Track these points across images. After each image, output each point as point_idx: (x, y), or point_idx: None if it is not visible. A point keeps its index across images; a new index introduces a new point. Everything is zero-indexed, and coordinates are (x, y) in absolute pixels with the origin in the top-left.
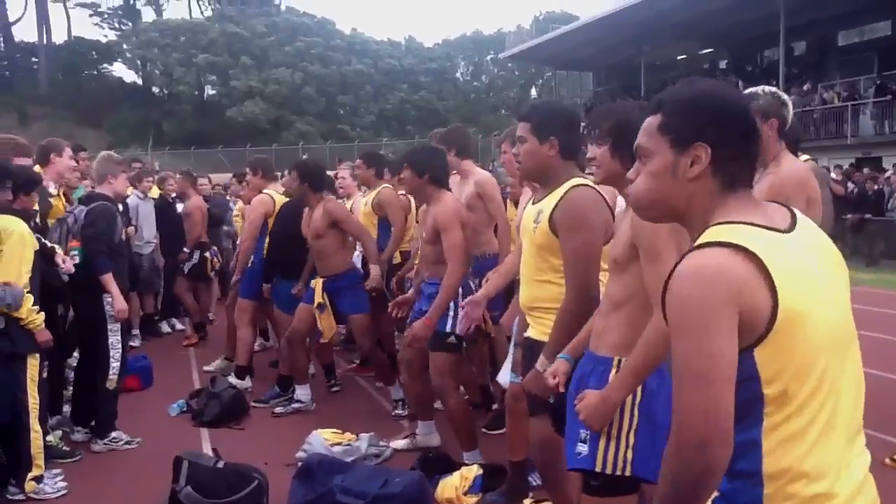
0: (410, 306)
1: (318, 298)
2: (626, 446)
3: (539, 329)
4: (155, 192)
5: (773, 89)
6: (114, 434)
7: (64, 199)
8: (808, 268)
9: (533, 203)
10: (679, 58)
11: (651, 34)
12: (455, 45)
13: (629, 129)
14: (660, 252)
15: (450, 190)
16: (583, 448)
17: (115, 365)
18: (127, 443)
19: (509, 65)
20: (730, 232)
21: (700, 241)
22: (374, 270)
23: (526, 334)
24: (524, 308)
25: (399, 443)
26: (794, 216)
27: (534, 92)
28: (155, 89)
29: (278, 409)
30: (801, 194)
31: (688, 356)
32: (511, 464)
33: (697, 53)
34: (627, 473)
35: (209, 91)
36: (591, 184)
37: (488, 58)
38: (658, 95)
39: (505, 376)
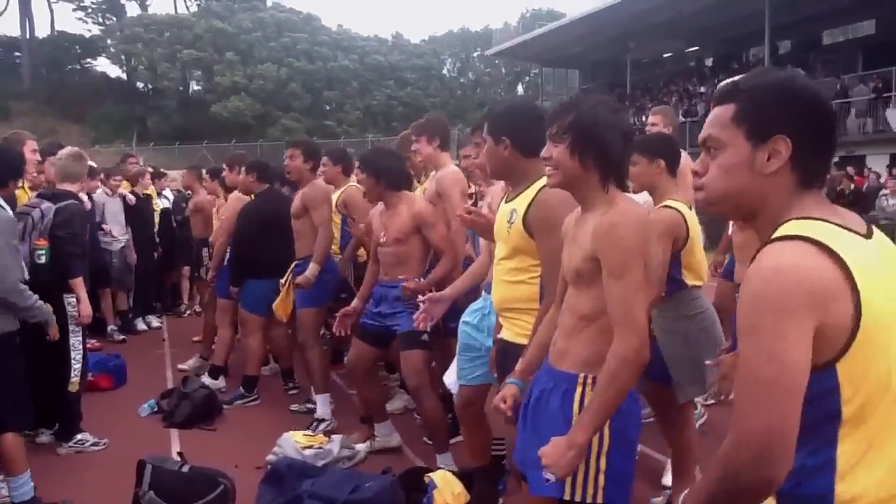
0: (358, 316)
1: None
2: (598, 471)
3: (513, 331)
4: (125, 188)
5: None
6: (79, 436)
7: (28, 192)
8: (889, 277)
9: (506, 202)
10: (665, 55)
11: (637, 32)
12: (442, 41)
13: (592, 127)
14: (627, 268)
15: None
16: (549, 474)
17: (76, 367)
18: (94, 444)
19: (496, 62)
20: (812, 228)
21: (780, 233)
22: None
23: (499, 335)
24: (497, 310)
25: (359, 446)
26: (868, 223)
27: (520, 89)
28: (139, 84)
29: (294, 407)
30: None
31: (756, 361)
32: (476, 470)
33: (683, 51)
34: (599, 501)
35: (194, 87)
36: None
37: (475, 54)
38: (728, 84)
39: (451, 377)
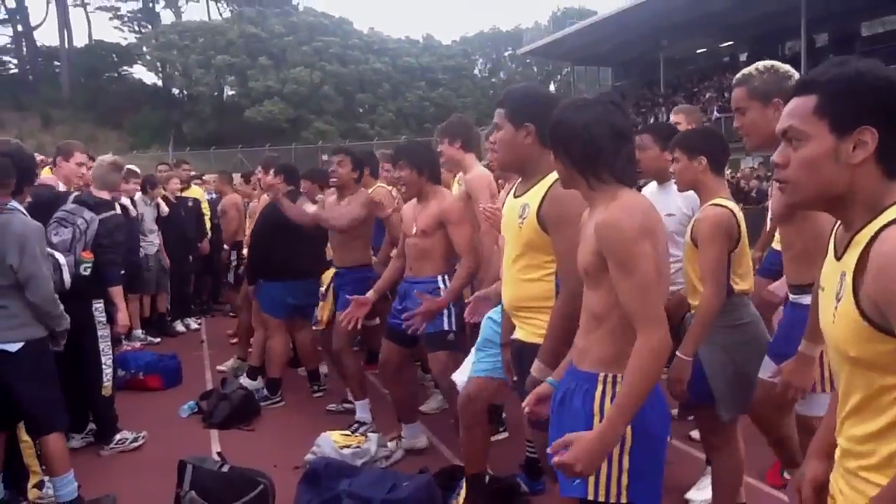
0: (371, 307)
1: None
2: (621, 470)
3: (528, 330)
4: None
5: (771, 63)
6: (118, 437)
7: None
8: None
9: (515, 196)
10: (698, 51)
11: (670, 28)
12: (473, 41)
13: (555, 128)
14: (636, 263)
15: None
16: (577, 471)
17: (107, 371)
18: (133, 440)
19: (527, 61)
20: None
21: (893, 216)
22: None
23: (514, 336)
24: (509, 309)
25: (389, 445)
26: None
27: (552, 87)
28: (174, 90)
29: (331, 407)
30: None
31: None
32: (468, 477)
33: (717, 46)
34: (623, 501)
35: (228, 92)
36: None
37: (506, 54)
38: (808, 75)
39: (460, 375)
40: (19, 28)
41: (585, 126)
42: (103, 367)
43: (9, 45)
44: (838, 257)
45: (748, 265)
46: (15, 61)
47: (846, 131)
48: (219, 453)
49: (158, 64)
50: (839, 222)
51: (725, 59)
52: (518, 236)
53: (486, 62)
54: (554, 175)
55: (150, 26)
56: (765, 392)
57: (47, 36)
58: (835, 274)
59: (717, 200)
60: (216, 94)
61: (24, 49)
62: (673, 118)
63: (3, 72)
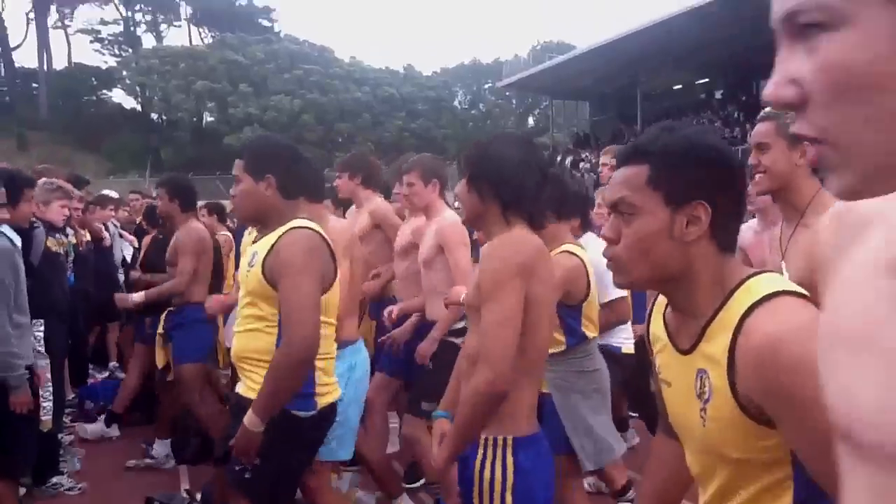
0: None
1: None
2: None
3: (247, 385)
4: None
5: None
6: (55, 479)
7: None
8: None
9: (252, 243)
10: (675, 87)
11: (647, 64)
12: (453, 73)
13: (487, 161)
14: (498, 297)
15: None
16: None
17: (46, 405)
18: (69, 489)
19: (507, 93)
20: (783, 282)
21: (763, 291)
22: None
23: (236, 389)
24: (234, 361)
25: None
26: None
27: (531, 121)
28: (154, 115)
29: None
30: None
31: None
32: None
33: (694, 83)
34: None
35: (208, 118)
36: (311, 225)
37: (486, 86)
38: (638, 142)
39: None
40: None
41: (521, 162)
42: (41, 400)
43: None
44: (684, 350)
45: (597, 311)
46: None
47: (680, 205)
48: (187, 490)
49: (138, 88)
50: (659, 304)
51: (701, 96)
52: (245, 284)
53: (467, 94)
54: (289, 225)
55: (130, 50)
56: None
57: (26, 57)
58: (685, 369)
59: (567, 246)
60: (195, 119)
61: (2, 70)
62: (602, 158)
63: None
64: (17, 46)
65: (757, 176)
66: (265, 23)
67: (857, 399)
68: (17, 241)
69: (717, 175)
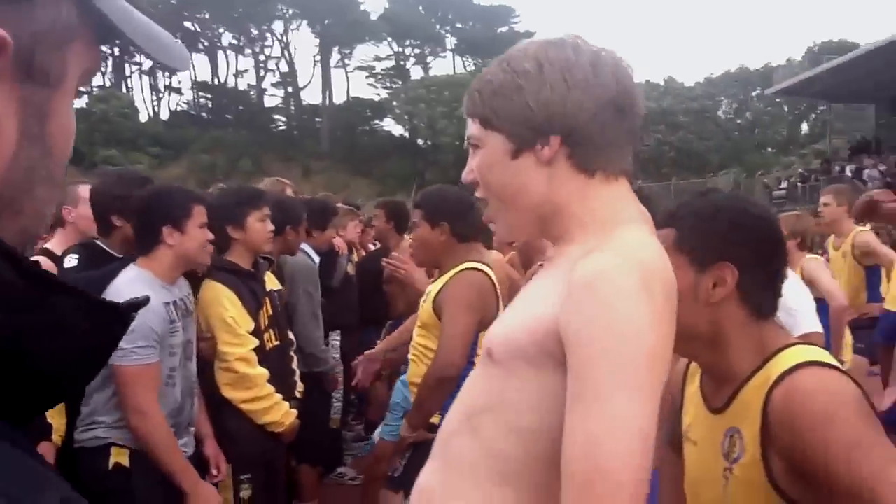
0: None
1: None
2: None
3: None
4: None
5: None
6: (340, 469)
7: None
8: None
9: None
10: None
11: None
12: (717, 82)
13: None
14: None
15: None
16: None
17: (336, 405)
18: (351, 479)
19: (777, 100)
20: (822, 353)
21: (795, 360)
22: None
23: None
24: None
25: None
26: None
27: (804, 127)
28: (420, 141)
29: None
30: None
31: (882, 467)
32: None
33: None
34: None
35: None
36: (481, 267)
37: (754, 94)
38: (670, 209)
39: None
40: (289, 90)
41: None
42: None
43: (280, 105)
44: (716, 409)
45: None
46: (284, 119)
47: (705, 267)
48: None
49: (406, 117)
50: (692, 369)
51: None
52: (420, 317)
53: (732, 103)
54: (461, 266)
55: (400, 82)
56: None
57: (310, 95)
58: (714, 429)
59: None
60: (458, 143)
61: (293, 108)
62: (823, 198)
63: (274, 128)
64: (305, 86)
65: None
66: None
67: None
68: (317, 260)
69: (744, 237)
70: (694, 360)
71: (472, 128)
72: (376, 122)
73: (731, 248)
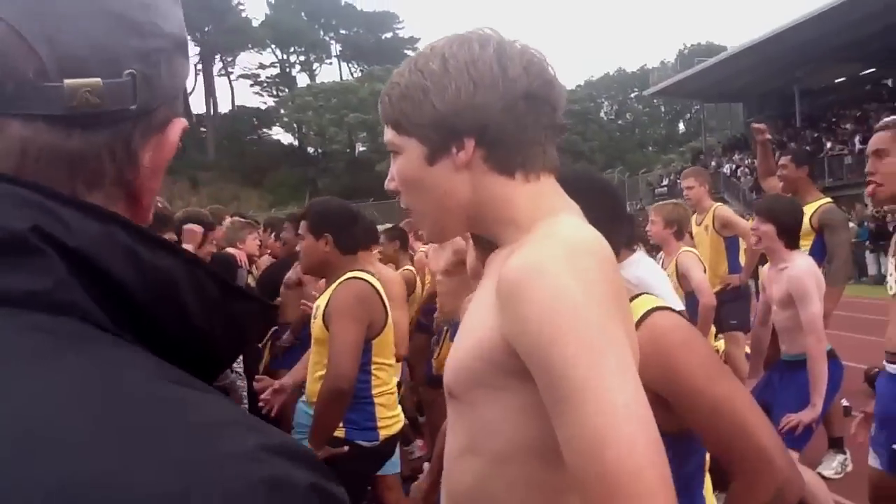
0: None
1: None
2: None
3: None
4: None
5: None
6: None
7: None
8: None
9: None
10: (837, 81)
11: (806, 59)
12: (598, 85)
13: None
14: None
15: None
16: None
17: None
18: None
19: (655, 101)
20: (664, 301)
21: (646, 307)
22: None
23: None
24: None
25: None
26: None
27: (681, 126)
28: (310, 149)
29: None
30: None
31: (737, 398)
32: None
33: (858, 75)
34: None
35: (360, 148)
36: (364, 276)
37: (632, 95)
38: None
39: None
40: None
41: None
42: None
43: None
44: None
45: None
46: None
47: None
48: None
49: (295, 125)
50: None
51: (868, 88)
52: (313, 334)
53: (613, 104)
54: (344, 277)
55: (287, 90)
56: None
57: (195, 105)
58: None
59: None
60: (348, 150)
61: None
62: (684, 182)
63: None
64: (188, 95)
65: (871, 186)
66: (410, 53)
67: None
68: None
69: (602, 201)
70: None
71: (388, 133)
72: (264, 130)
73: (592, 212)
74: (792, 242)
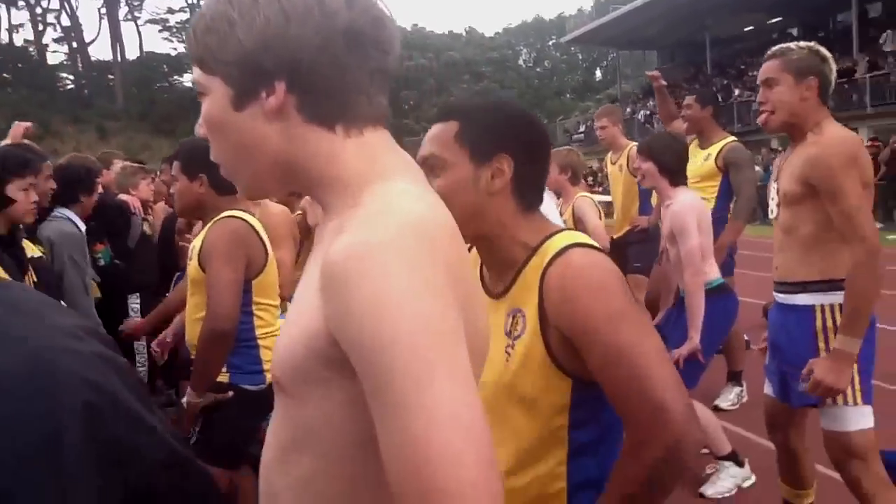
0: None
1: None
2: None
3: None
4: None
5: (811, 44)
6: None
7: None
8: None
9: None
10: (746, 29)
11: (715, 8)
12: (516, 32)
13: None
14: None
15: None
16: None
17: (141, 370)
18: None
19: (572, 49)
20: (581, 236)
21: (564, 242)
22: None
23: None
24: (189, 346)
25: None
26: None
27: (598, 73)
28: None
29: None
30: (850, 171)
31: (643, 348)
32: None
33: (765, 24)
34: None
35: None
36: (239, 215)
37: (550, 43)
38: (448, 103)
39: None
40: (74, 45)
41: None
42: (137, 365)
43: (65, 62)
44: (497, 295)
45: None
46: (71, 77)
47: (484, 158)
48: None
49: None
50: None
51: (774, 36)
52: (189, 275)
53: (531, 52)
54: (217, 217)
55: None
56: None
57: (101, 51)
58: (497, 313)
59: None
60: None
61: (80, 65)
62: (596, 123)
63: (61, 87)
64: (92, 41)
65: (763, 115)
66: None
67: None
68: (83, 227)
69: (519, 132)
70: (478, 252)
71: (195, 72)
72: (175, 77)
73: (509, 142)
74: (676, 179)
